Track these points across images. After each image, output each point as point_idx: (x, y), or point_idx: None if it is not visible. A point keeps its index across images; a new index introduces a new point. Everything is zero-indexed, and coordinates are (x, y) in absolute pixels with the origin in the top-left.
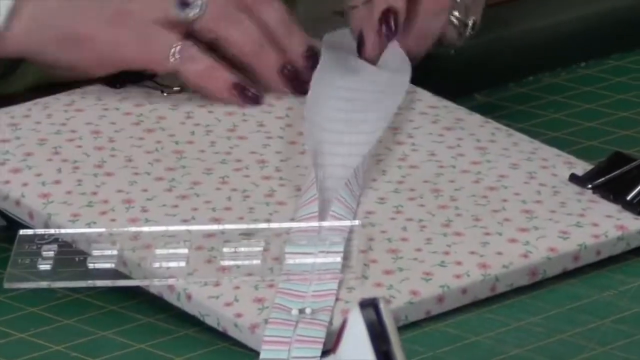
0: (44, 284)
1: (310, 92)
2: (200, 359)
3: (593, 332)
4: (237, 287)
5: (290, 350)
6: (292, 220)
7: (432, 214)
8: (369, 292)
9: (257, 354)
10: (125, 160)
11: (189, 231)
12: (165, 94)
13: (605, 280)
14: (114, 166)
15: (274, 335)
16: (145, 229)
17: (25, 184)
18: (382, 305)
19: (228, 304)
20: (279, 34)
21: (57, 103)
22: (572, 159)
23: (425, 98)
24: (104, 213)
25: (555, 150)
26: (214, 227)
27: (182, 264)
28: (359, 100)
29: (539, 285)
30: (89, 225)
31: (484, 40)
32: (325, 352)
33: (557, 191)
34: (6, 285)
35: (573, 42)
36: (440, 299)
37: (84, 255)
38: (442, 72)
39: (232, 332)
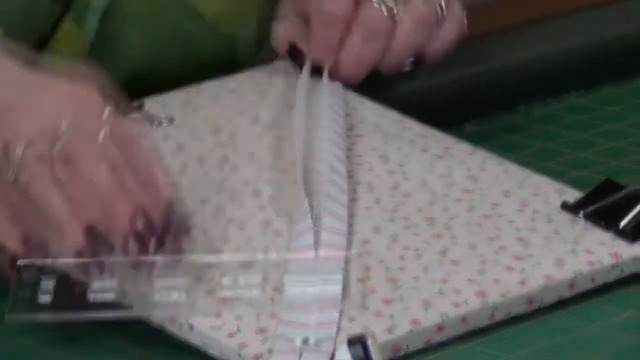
0: (45, 317)
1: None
2: None
3: None
4: (239, 318)
5: None
6: (288, 249)
7: (428, 242)
8: (370, 322)
9: None
10: None
11: (187, 262)
12: (154, 126)
13: (596, 312)
14: None
15: None
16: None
17: None
18: (369, 342)
19: (231, 335)
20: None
21: None
22: (562, 187)
23: (413, 127)
24: None
25: (545, 178)
26: (212, 257)
27: (183, 295)
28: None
29: (528, 317)
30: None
31: (475, 69)
32: None
33: (551, 219)
34: (8, 319)
35: (564, 72)
36: (440, 328)
37: (84, 286)
38: (433, 102)
39: None
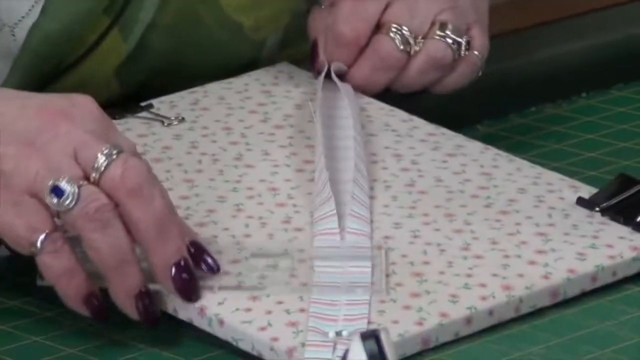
0: None
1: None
2: None
3: None
4: (269, 312)
5: None
6: (312, 219)
7: (449, 237)
8: (399, 315)
9: None
10: None
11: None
12: (165, 125)
13: (606, 310)
14: None
15: (314, 357)
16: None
17: None
18: (383, 337)
19: (262, 329)
20: (148, 238)
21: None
22: (576, 182)
23: (422, 126)
24: None
25: (558, 175)
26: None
27: (212, 291)
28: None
29: (540, 315)
30: None
31: (486, 71)
32: None
33: (568, 214)
34: (39, 284)
35: (575, 73)
36: (468, 321)
37: None
38: (444, 103)
39: (268, 356)
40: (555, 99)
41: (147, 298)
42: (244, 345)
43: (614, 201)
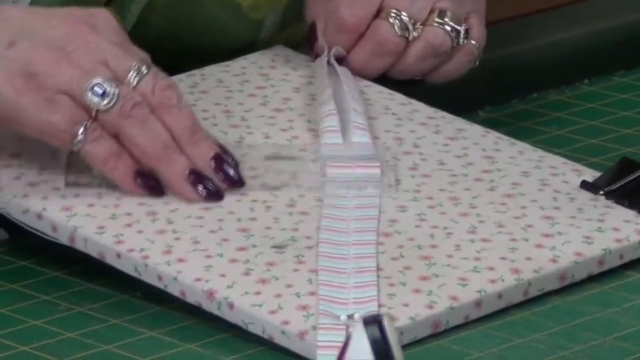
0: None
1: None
2: None
3: (595, 350)
4: (278, 296)
5: None
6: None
7: (455, 221)
8: (409, 298)
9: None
10: None
11: (220, 244)
12: None
13: (608, 298)
14: None
15: (326, 340)
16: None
17: (44, 198)
18: (386, 322)
19: (273, 312)
20: (182, 141)
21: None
22: (579, 166)
23: (422, 109)
24: (129, 225)
25: (560, 158)
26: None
27: (220, 276)
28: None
29: (541, 302)
30: (116, 237)
31: (488, 57)
32: None
33: (572, 197)
34: (66, 186)
35: (577, 59)
36: (478, 304)
37: None
38: (446, 88)
39: (279, 340)
40: (557, 85)
41: (201, 177)
42: (254, 329)
43: (618, 184)
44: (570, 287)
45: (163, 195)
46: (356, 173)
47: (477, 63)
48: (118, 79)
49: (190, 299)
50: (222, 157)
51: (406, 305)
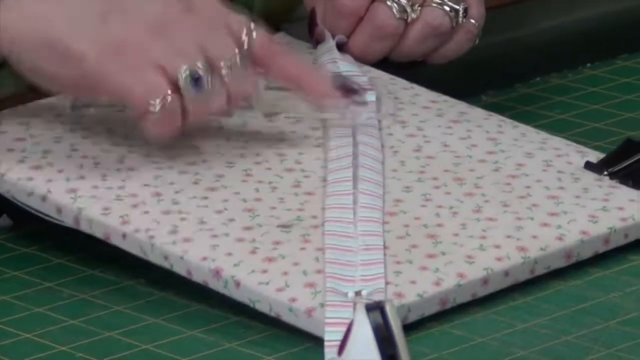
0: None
1: None
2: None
3: (599, 334)
4: (285, 273)
5: None
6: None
7: (461, 201)
8: (416, 276)
9: (313, 337)
10: (145, 156)
11: (226, 224)
12: None
13: (611, 282)
14: (135, 161)
15: (334, 317)
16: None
17: (49, 180)
18: (388, 308)
19: (280, 290)
20: (305, 74)
21: (62, 103)
22: (582, 148)
23: (424, 93)
24: (135, 206)
25: (564, 140)
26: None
27: (226, 255)
28: None
29: (544, 287)
30: (122, 218)
31: (491, 41)
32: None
33: (577, 178)
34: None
35: (580, 43)
36: (485, 282)
37: None
38: (449, 73)
39: (287, 317)
40: (560, 69)
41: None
42: (261, 307)
43: (622, 165)
44: (573, 271)
45: None
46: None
47: (477, 42)
48: (212, 67)
49: (197, 278)
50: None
51: (413, 282)
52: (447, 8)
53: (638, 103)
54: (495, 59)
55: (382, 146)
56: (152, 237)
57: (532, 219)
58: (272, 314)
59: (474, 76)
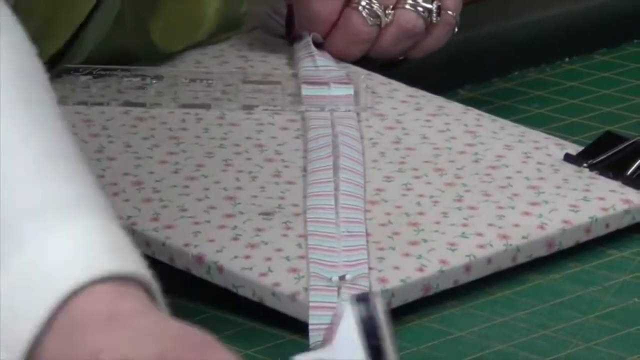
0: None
1: None
2: None
3: (577, 328)
4: (268, 259)
5: None
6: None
7: (442, 190)
8: (399, 262)
9: (291, 331)
10: (125, 146)
11: (207, 212)
12: (144, 83)
13: (589, 276)
14: (115, 151)
15: (318, 300)
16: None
17: None
18: (375, 301)
19: (263, 275)
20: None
21: None
22: (561, 140)
23: (402, 88)
24: (115, 194)
25: (542, 133)
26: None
27: (209, 241)
28: None
29: (523, 281)
30: None
31: (469, 35)
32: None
33: (557, 169)
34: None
35: (558, 37)
36: (467, 268)
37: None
38: (426, 67)
39: (270, 302)
40: (538, 63)
41: None
42: (245, 292)
43: (602, 157)
44: (552, 265)
45: None
46: (330, 90)
47: (456, 30)
48: None
49: (179, 264)
50: None
51: (397, 268)
52: (420, 9)
53: (616, 98)
54: (473, 53)
55: (362, 137)
56: (133, 223)
57: (513, 208)
58: (256, 299)
59: (451, 71)
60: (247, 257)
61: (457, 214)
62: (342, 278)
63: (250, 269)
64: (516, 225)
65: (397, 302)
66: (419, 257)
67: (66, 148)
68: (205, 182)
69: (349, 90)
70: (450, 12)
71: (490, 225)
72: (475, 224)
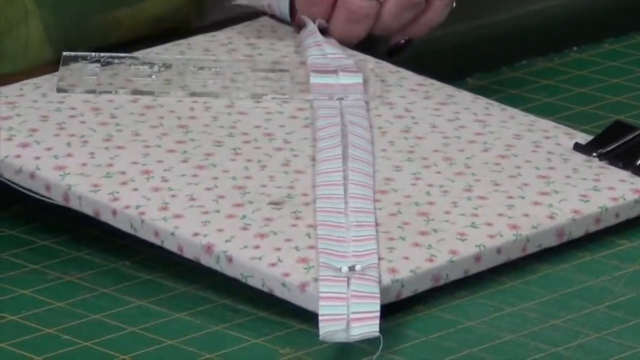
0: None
1: None
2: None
3: (587, 318)
4: (278, 249)
5: (349, 306)
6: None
7: (451, 180)
8: (409, 252)
9: (299, 320)
10: (133, 135)
11: (216, 201)
12: (152, 70)
13: (600, 266)
14: (123, 140)
15: (328, 291)
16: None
17: (37, 158)
18: None
19: (272, 265)
20: None
21: (47, 83)
22: (570, 130)
23: (410, 77)
24: (124, 183)
25: (552, 122)
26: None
27: (218, 231)
28: None
29: (533, 270)
30: (111, 194)
31: (477, 24)
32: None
33: (566, 159)
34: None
35: (566, 26)
36: (477, 259)
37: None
38: (434, 56)
39: (279, 292)
40: (547, 52)
41: None
42: (254, 282)
43: (611, 146)
44: (562, 255)
45: None
46: (339, 79)
47: (454, 5)
48: None
49: (188, 254)
50: None
51: (406, 258)
52: None
53: (624, 87)
54: (482, 42)
55: (371, 126)
56: (142, 213)
57: (523, 198)
58: (265, 289)
59: (460, 59)
60: (257, 247)
61: (467, 204)
62: (351, 268)
63: (260, 258)
64: (526, 215)
65: (407, 293)
66: (429, 247)
67: None
68: (214, 171)
69: (357, 79)
70: None
71: (500, 215)
72: (485, 214)
